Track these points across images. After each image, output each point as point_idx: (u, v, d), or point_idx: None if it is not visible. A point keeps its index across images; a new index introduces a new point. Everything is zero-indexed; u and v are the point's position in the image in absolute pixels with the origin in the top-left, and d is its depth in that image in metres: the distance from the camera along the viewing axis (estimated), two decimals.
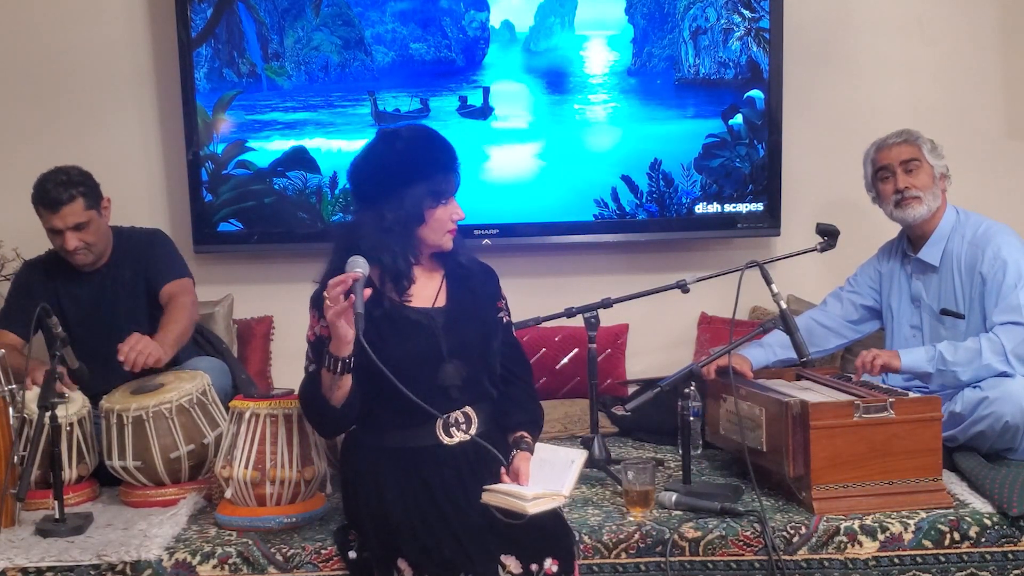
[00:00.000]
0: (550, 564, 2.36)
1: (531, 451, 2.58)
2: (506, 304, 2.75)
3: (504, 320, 2.72)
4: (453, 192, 2.56)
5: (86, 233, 3.33)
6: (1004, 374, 3.08)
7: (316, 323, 2.52)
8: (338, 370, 2.40)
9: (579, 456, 2.53)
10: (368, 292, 2.37)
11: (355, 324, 2.33)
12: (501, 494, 2.35)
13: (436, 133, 2.61)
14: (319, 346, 2.49)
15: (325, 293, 2.35)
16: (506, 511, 2.33)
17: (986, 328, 3.17)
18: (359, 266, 2.38)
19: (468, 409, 2.60)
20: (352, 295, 2.33)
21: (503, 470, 2.46)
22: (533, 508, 2.30)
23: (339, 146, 4.16)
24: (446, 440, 2.55)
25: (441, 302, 2.62)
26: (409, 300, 2.57)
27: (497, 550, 2.34)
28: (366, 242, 2.49)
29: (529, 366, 2.81)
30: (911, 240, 3.40)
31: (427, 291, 2.62)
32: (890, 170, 3.32)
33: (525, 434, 2.63)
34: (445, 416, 2.56)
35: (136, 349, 3.05)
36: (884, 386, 3.07)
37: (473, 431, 2.59)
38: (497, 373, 2.67)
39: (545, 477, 2.46)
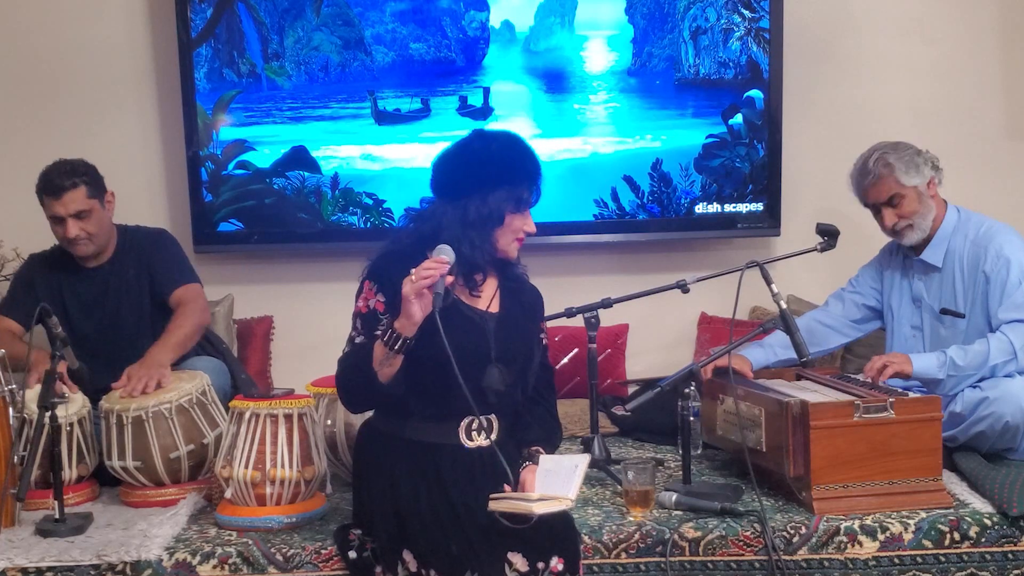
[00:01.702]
0: (556, 562, 2.36)
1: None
2: (545, 328, 2.79)
3: (543, 341, 2.75)
4: (532, 205, 2.63)
5: (87, 222, 3.35)
6: (1009, 375, 3.08)
7: (372, 296, 2.54)
8: (397, 347, 2.41)
9: (582, 460, 2.53)
10: (450, 280, 2.43)
11: (433, 303, 2.37)
12: (507, 500, 2.36)
13: (528, 144, 2.67)
14: (370, 319, 2.52)
15: (414, 270, 2.38)
16: (512, 516, 2.33)
17: (990, 327, 3.17)
18: (446, 254, 2.44)
19: (492, 416, 2.61)
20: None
21: (507, 487, 2.46)
22: (539, 509, 2.31)
23: (339, 146, 4.16)
24: (466, 443, 2.56)
25: (495, 308, 2.65)
26: (478, 296, 2.61)
27: (504, 548, 2.34)
28: (448, 232, 2.53)
29: (555, 392, 2.83)
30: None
31: (484, 294, 2.64)
32: (876, 208, 3.30)
33: (540, 450, 2.64)
34: (470, 419, 2.57)
35: (132, 386, 3.06)
36: (884, 386, 3.06)
37: (492, 438, 2.60)
38: (529, 389, 2.69)
39: (550, 484, 2.47)
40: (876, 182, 3.25)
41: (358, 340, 2.54)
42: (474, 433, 2.58)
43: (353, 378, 2.53)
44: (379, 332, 2.45)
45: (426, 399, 2.52)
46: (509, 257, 2.64)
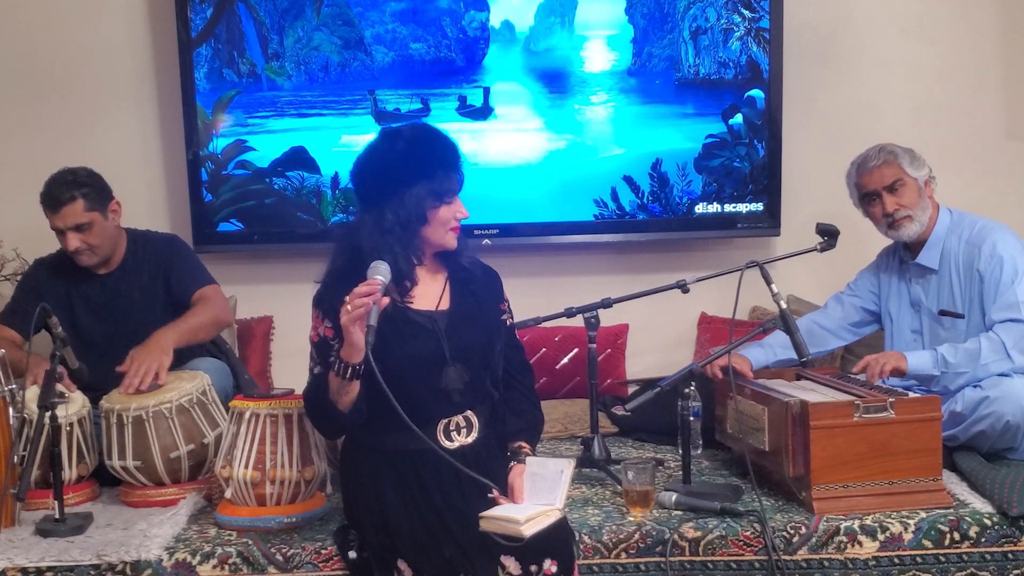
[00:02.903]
0: (549, 565, 2.36)
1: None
2: (509, 306, 2.74)
3: (507, 322, 2.72)
4: (456, 191, 2.54)
5: (88, 235, 3.33)
6: (1004, 374, 3.08)
7: (320, 324, 2.50)
8: (347, 376, 2.38)
9: (567, 466, 2.51)
10: (385, 302, 2.35)
11: (366, 336, 2.30)
12: (497, 520, 2.35)
13: (438, 131, 2.60)
14: (323, 347, 2.48)
15: (347, 298, 2.31)
16: (505, 535, 2.33)
17: (986, 326, 3.17)
18: (381, 273, 2.36)
19: (469, 413, 2.60)
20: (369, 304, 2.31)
21: (496, 492, 2.44)
22: (528, 530, 2.30)
23: (339, 146, 4.16)
24: (446, 444, 2.55)
25: (444, 305, 2.60)
26: (411, 301, 2.56)
27: (496, 551, 2.34)
28: (368, 243, 2.47)
29: (531, 369, 2.80)
30: (908, 246, 3.39)
31: (430, 293, 2.60)
32: (876, 194, 3.30)
33: (524, 445, 2.62)
34: (446, 421, 2.56)
35: (135, 373, 3.06)
36: (884, 386, 3.07)
37: (474, 435, 2.59)
38: (499, 376, 2.67)
39: (538, 490, 2.46)
40: (881, 166, 3.27)
41: (316, 370, 2.51)
42: (453, 434, 2.57)
43: (317, 409, 2.52)
44: (332, 359, 2.42)
45: (394, 412, 2.43)
46: (448, 249, 2.58)
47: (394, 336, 2.50)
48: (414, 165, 2.48)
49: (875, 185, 3.28)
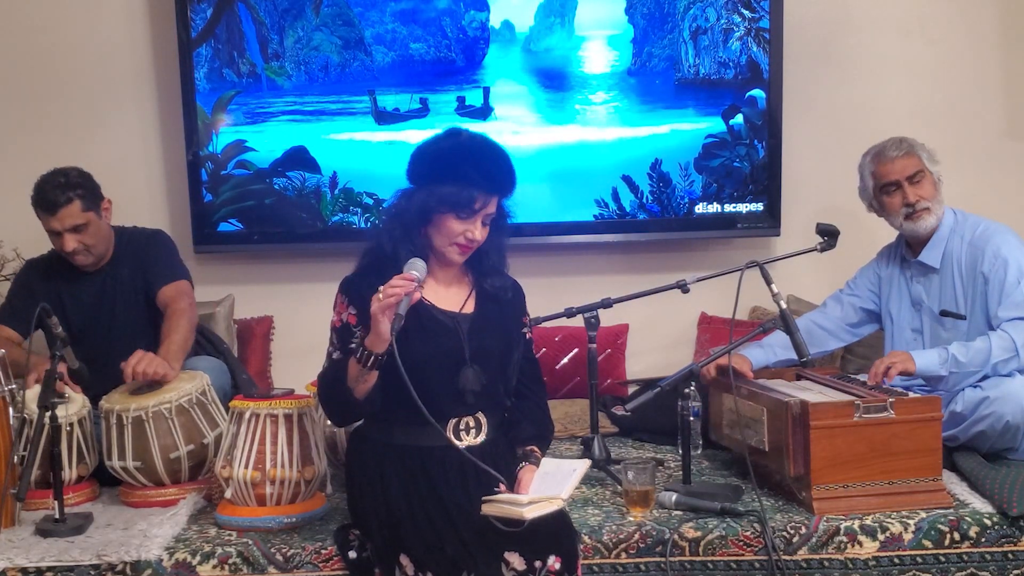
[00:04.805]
0: (553, 561, 2.36)
1: (538, 465, 2.59)
2: (530, 322, 2.77)
3: (527, 336, 2.74)
4: (475, 211, 2.51)
5: (85, 235, 3.33)
6: (1010, 374, 3.09)
7: (344, 309, 2.52)
8: (369, 364, 2.40)
9: (582, 465, 2.52)
10: (417, 296, 2.40)
11: (392, 325, 2.34)
12: (499, 503, 2.35)
13: (494, 150, 2.56)
14: (345, 333, 2.50)
15: (381, 287, 2.35)
16: (505, 520, 2.33)
17: (991, 327, 3.17)
18: (417, 269, 2.40)
19: (480, 415, 2.61)
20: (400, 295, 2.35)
21: (503, 487, 2.45)
22: (529, 513, 2.30)
23: (339, 146, 4.16)
24: (455, 443, 2.56)
25: (469, 308, 2.63)
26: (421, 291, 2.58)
27: (501, 547, 2.34)
28: (385, 223, 2.56)
29: (543, 385, 2.81)
30: (910, 244, 3.39)
31: (456, 295, 2.63)
32: (896, 184, 3.29)
33: (535, 449, 2.64)
34: (456, 420, 2.57)
35: (141, 363, 3.06)
36: (884, 386, 3.07)
37: (483, 437, 2.60)
38: (513, 385, 2.69)
39: (547, 486, 2.47)
40: (902, 156, 3.28)
41: (335, 355, 2.53)
42: (462, 433, 2.58)
43: (332, 395, 2.53)
44: (353, 346, 2.44)
45: (406, 407, 2.45)
46: (450, 261, 2.58)
47: (417, 332, 2.52)
48: (454, 166, 2.50)
49: (896, 175, 3.28)
